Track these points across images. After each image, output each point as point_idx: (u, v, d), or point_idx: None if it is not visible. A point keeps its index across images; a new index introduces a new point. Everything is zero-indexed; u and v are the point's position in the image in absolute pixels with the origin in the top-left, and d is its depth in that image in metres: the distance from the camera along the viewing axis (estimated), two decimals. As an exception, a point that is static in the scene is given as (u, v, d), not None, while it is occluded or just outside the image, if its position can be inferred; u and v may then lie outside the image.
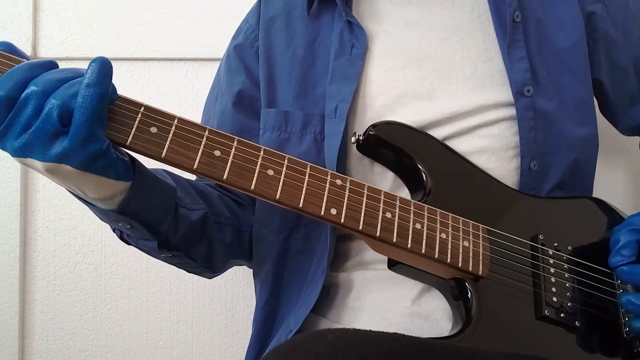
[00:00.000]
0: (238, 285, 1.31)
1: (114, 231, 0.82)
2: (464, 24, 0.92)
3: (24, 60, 0.65)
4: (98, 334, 1.30)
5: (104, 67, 0.62)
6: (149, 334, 1.30)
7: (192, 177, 0.91)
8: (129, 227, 0.75)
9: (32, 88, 0.61)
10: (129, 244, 0.84)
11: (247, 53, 0.99)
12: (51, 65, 0.65)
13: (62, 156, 0.62)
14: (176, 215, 0.81)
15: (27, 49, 1.27)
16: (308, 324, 0.86)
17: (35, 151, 0.62)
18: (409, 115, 0.86)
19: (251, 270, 1.01)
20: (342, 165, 0.86)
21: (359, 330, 0.63)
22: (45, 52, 1.29)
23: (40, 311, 1.31)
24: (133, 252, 1.28)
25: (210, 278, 1.02)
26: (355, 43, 0.90)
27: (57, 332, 1.30)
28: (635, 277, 0.76)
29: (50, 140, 0.61)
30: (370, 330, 0.63)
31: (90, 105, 0.60)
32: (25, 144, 0.61)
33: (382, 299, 0.85)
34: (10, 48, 0.66)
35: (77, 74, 0.63)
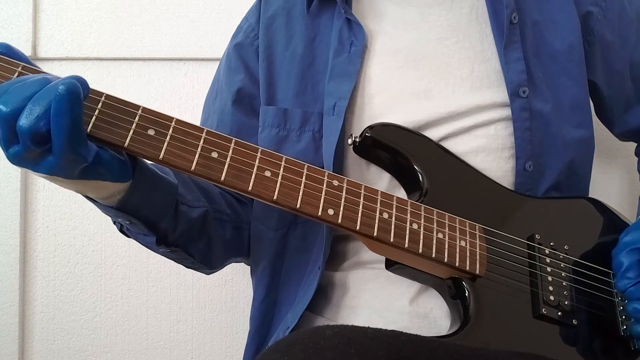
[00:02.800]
0: (238, 285, 1.31)
1: (114, 223, 0.83)
2: (462, 25, 0.92)
3: (22, 63, 0.65)
4: (98, 334, 1.31)
5: (72, 95, 0.60)
6: (149, 334, 1.31)
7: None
8: (128, 222, 0.77)
9: (2, 108, 0.60)
10: (128, 236, 0.84)
11: (247, 51, 0.99)
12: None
13: (51, 171, 0.63)
14: (176, 213, 0.82)
15: (27, 49, 1.27)
16: (305, 323, 0.87)
17: (27, 164, 0.63)
18: (407, 114, 0.86)
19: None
20: (339, 163, 0.86)
21: (358, 326, 0.63)
22: (45, 52, 1.29)
23: (40, 311, 1.31)
24: (133, 252, 1.29)
25: (208, 274, 1.02)
26: (354, 41, 0.91)
27: (57, 332, 1.31)
28: None
29: (37, 158, 0.62)
30: (368, 326, 0.63)
31: (65, 131, 0.60)
32: (16, 159, 0.62)
33: (380, 298, 0.85)
34: (7, 49, 0.66)
35: (44, 84, 0.62)
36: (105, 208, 0.74)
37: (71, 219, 1.31)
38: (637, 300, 0.78)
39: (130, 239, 0.85)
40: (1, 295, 1.29)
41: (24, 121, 0.59)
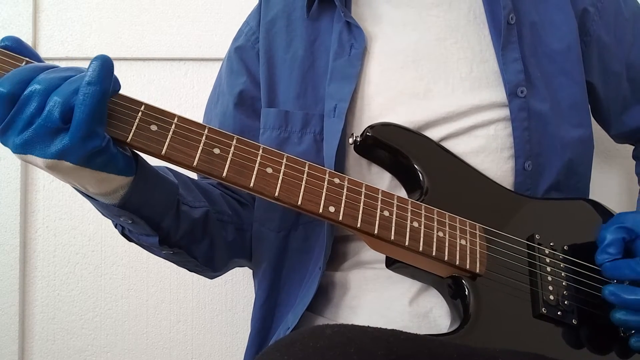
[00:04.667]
0: (238, 285, 1.32)
1: (115, 227, 0.83)
2: (461, 26, 0.93)
3: (26, 59, 0.66)
4: (98, 334, 1.31)
5: (105, 65, 0.62)
6: (149, 334, 1.31)
7: (195, 175, 0.91)
8: (130, 222, 0.76)
9: (34, 86, 0.61)
10: (130, 240, 0.84)
11: (248, 54, 1.00)
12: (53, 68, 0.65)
13: (62, 153, 0.62)
14: (178, 212, 0.82)
15: (27, 50, 1.27)
16: (306, 323, 0.87)
17: (36, 148, 0.62)
18: (406, 115, 0.87)
19: (251, 270, 1.01)
20: (340, 165, 0.86)
21: (357, 325, 0.64)
22: (45, 52, 1.29)
23: (40, 311, 1.31)
24: (133, 252, 1.29)
25: (211, 278, 1.02)
26: (354, 44, 0.91)
27: (57, 332, 1.31)
28: (618, 272, 0.77)
29: (51, 137, 0.62)
30: (368, 326, 0.63)
31: (91, 103, 0.61)
32: (27, 140, 0.62)
33: (380, 298, 0.85)
34: (17, 43, 0.67)
35: (78, 72, 0.64)
36: (107, 207, 0.74)
37: (71, 219, 1.31)
38: (614, 283, 0.78)
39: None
40: (1, 295, 1.29)
41: (61, 94, 0.61)
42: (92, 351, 1.30)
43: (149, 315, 1.31)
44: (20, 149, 0.63)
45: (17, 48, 0.67)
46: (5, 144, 0.64)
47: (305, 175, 0.73)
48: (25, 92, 0.61)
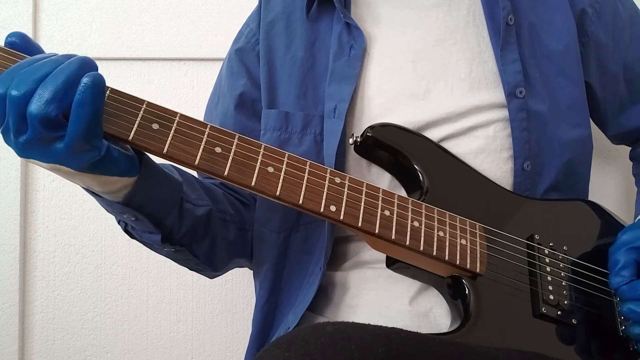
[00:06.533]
0: (238, 285, 1.32)
1: (118, 223, 0.83)
2: (460, 27, 0.93)
3: (27, 56, 0.66)
4: (98, 334, 1.31)
5: (97, 87, 0.61)
6: (149, 334, 1.31)
7: (197, 174, 0.92)
8: (133, 219, 0.76)
9: (12, 92, 0.60)
10: (132, 237, 0.84)
11: (248, 56, 1.00)
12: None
13: (60, 160, 0.63)
14: (181, 210, 0.82)
15: (27, 50, 1.27)
16: (306, 323, 0.87)
17: (36, 153, 0.63)
18: (406, 116, 0.87)
19: (251, 271, 1.02)
20: (340, 165, 0.87)
21: (358, 323, 0.64)
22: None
23: (40, 311, 1.31)
24: (133, 252, 1.29)
25: (211, 277, 1.02)
26: (354, 44, 0.91)
27: (57, 332, 1.31)
28: (636, 293, 0.77)
29: (47, 144, 0.62)
30: (369, 323, 0.64)
31: (84, 122, 0.61)
32: (24, 147, 0.62)
33: (380, 297, 0.85)
34: (23, 40, 0.67)
35: (53, 67, 0.62)
36: (110, 204, 0.74)
37: (71, 219, 1.30)
38: (631, 300, 0.78)
39: (132, 240, 0.86)
40: (1, 295, 1.29)
41: (34, 106, 0.59)
42: (92, 351, 1.30)
43: (149, 315, 1.31)
44: (23, 154, 0.63)
45: (23, 45, 0.66)
46: (10, 146, 0.64)
47: (306, 174, 0.73)
48: (7, 99, 0.60)
